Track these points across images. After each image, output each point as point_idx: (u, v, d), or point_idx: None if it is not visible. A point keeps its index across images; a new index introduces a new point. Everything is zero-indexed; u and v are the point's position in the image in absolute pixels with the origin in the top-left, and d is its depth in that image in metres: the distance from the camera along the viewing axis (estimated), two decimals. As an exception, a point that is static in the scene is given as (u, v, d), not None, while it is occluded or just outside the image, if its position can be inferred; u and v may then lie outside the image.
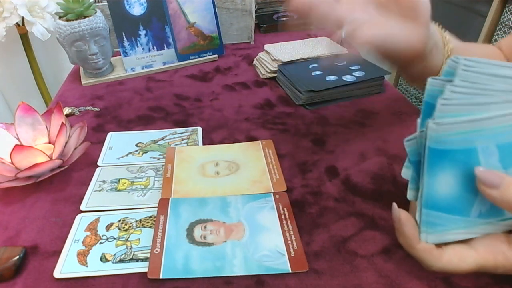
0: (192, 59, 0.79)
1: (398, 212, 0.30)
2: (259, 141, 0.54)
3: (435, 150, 0.26)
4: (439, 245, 0.29)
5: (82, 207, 0.43)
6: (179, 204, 0.43)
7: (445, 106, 0.26)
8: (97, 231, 0.40)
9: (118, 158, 0.51)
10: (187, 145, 0.53)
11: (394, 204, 0.31)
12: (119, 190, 0.45)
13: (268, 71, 0.72)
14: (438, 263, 0.29)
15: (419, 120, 0.30)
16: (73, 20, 0.65)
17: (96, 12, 0.68)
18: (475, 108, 0.26)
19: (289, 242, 0.38)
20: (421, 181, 0.28)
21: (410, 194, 0.31)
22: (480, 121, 0.26)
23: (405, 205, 0.42)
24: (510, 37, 0.32)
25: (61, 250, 0.38)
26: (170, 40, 0.76)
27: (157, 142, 0.55)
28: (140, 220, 0.41)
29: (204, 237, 0.39)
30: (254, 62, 0.78)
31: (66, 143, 0.49)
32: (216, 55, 0.81)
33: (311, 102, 0.62)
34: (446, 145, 0.26)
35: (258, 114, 0.61)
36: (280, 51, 0.73)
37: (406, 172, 0.31)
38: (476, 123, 0.26)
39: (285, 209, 0.42)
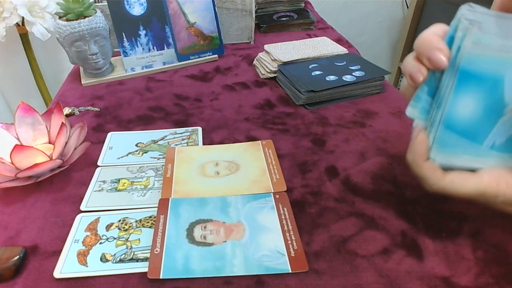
0: (192, 59, 0.79)
1: (418, 130, 0.31)
2: (259, 141, 0.54)
3: (465, 71, 0.27)
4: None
5: (82, 207, 0.43)
6: (179, 204, 0.43)
7: (482, 30, 0.26)
8: (97, 231, 0.40)
9: (118, 158, 0.51)
10: (187, 145, 0.53)
11: (417, 124, 0.32)
12: (119, 190, 0.45)
13: (268, 71, 0.72)
14: (440, 182, 0.30)
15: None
16: (73, 20, 0.66)
17: (96, 12, 0.68)
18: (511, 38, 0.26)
19: (289, 242, 0.38)
20: (444, 100, 0.29)
21: (409, 111, 0.32)
22: None
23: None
24: None
25: (61, 250, 0.38)
26: (170, 40, 0.76)
27: (157, 142, 0.55)
28: (140, 220, 0.41)
29: (204, 237, 0.39)
30: (254, 62, 0.78)
31: (66, 143, 0.49)
32: (216, 55, 0.81)
33: (311, 102, 0.62)
34: (477, 67, 0.27)
35: (258, 114, 0.61)
36: (280, 51, 0.73)
37: (412, 111, 0.32)
38: (510, 52, 0.26)
39: (285, 209, 0.42)
